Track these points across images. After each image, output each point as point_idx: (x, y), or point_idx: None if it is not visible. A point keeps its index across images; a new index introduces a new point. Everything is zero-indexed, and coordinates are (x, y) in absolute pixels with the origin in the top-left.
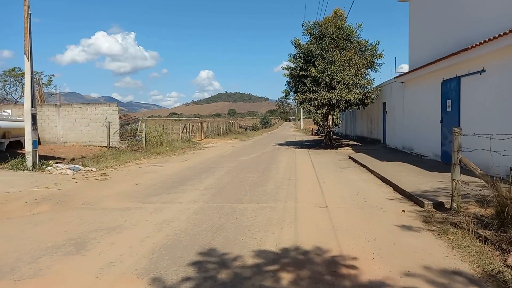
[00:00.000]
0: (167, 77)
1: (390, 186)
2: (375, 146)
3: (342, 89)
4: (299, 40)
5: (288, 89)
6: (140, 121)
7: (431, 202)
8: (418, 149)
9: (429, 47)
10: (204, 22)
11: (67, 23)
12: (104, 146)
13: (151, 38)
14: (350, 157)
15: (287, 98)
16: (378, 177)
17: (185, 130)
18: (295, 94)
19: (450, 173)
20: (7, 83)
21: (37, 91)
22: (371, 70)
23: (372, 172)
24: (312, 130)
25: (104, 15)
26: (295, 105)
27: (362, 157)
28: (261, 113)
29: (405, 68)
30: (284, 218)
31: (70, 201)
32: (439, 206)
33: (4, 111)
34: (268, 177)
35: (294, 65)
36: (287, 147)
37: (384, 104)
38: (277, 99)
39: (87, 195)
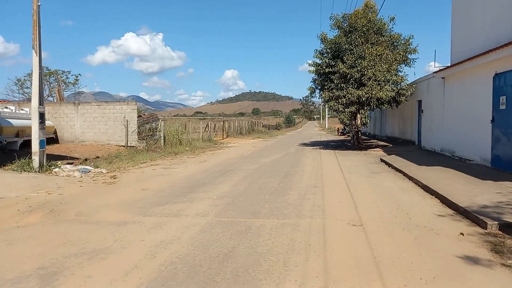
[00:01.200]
0: (193, 77)
1: (436, 197)
2: (409, 148)
3: (373, 85)
4: (326, 34)
5: (313, 86)
6: (160, 120)
7: (496, 222)
8: (461, 152)
9: (476, 37)
10: (228, 20)
11: (97, 25)
12: (122, 146)
13: (179, 38)
14: (382, 160)
15: (312, 97)
16: (419, 185)
17: (207, 129)
18: (321, 92)
19: (510, 183)
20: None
21: (57, 89)
22: (405, 66)
23: (410, 178)
24: (338, 130)
25: (133, 16)
26: (320, 104)
27: (396, 160)
28: (285, 112)
29: (431, 67)
30: (310, 242)
31: (64, 211)
32: (507, 227)
33: (6, 107)
34: (291, 183)
35: (321, 61)
36: (311, 147)
37: (420, 102)
38: (301, 98)
39: (86, 203)
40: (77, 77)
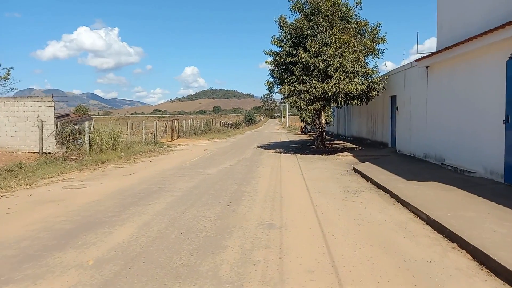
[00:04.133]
0: (151, 74)
1: (465, 249)
2: (382, 152)
3: (340, 78)
4: (285, 17)
5: (271, 80)
6: (93, 120)
7: None
8: (454, 160)
9: (475, 13)
10: (188, 16)
11: (48, 18)
12: (36, 152)
13: (135, 33)
14: (355, 170)
15: (271, 92)
16: (422, 219)
17: (158, 130)
18: (280, 87)
19: None
20: None
21: None
22: (373, 57)
23: (404, 204)
24: (300, 128)
25: (86, 10)
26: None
27: (373, 170)
28: (247, 110)
29: (392, 63)
30: None
31: None
32: None
33: None
34: (234, 220)
35: (280, 49)
36: (270, 151)
37: (393, 97)
38: (262, 96)
39: None
40: (8, 70)
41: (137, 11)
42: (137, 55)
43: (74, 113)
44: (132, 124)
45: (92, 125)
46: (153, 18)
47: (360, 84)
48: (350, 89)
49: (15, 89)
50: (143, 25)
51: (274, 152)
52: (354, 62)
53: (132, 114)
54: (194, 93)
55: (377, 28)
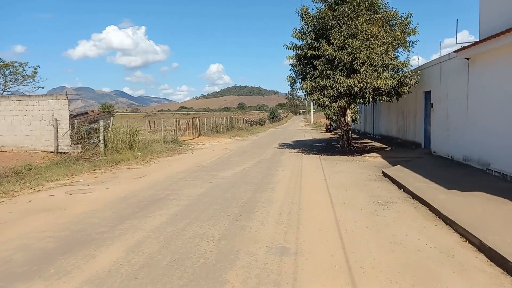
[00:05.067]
0: (177, 71)
1: None
2: (415, 153)
3: (368, 72)
4: (307, 8)
5: (293, 75)
6: (112, 118)
7: None
8: (503, 165)
9: None
10: (214, 14)
11: (78, 18)
12: (51, 152)
13: (162, 31)
14: (385, 174)
15: (293, 88)
16: (471, 243)
17: (179, 127)
18: (302, 82)
19: None
20: None
21: None
22: (403, 50)
23: (448, 222)
24: (325, 126)
25: (114, 9)
26: (304, 98)
27: (406, 175)
28: (271, 107)
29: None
30: None
31: None
32: None
33: None
34: (241, 241)
35: (302, 42)
36: (292, 150)
37: (427, 93)
38: (287, 92)
39: None
40: (35, 69)
41: (163, 9)
42: (164, 53)
43: (93, 111)
44: (154, 122)
45: (111, 123)
46: (179, 16)
47: (390, 79)
48: (379, 84)
49: (42, 87)
50: (170, 24)
51: (296, 152)
52: (383, 55)
53: (159, 111)
54: (219, 90)
55: (408, 19)
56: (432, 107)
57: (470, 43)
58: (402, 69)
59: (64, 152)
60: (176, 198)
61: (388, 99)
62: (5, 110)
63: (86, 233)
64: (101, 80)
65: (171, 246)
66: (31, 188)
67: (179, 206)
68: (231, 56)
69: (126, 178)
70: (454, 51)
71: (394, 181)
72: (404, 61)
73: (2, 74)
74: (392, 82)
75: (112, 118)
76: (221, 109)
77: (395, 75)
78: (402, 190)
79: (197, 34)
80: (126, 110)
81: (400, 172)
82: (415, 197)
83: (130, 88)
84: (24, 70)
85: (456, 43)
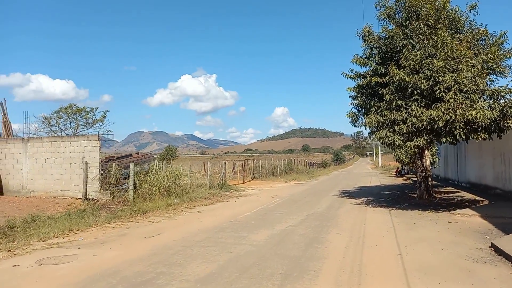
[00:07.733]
0: (244, 115)
1: None
2: None
3: (457, 100)
4: (370, 27)
5: (354, 110)
6: (156, 160)
7: None
8: None
9: None
10: (278, 61)
11: (157, 69)
12: (79, 198)
13: (231, 78)
14: (496, 250)
15: (355, 125)
16: None
17: (234, 169)
18: (365, 117)
19: None
20: (61, 119)
21: (2, 122)
22: (495, 76)
23: None
24: (396, 169)
25: (189, 60)
26: (372, 139)
27: None
28: (336, 149)
29: None
30: None
31: None
32: None
33: None
34: None
35: (364, 69)
36: (355, 200)
37: None
38: (353, 134)
39: None
40: (104, 113)
41: (232, 59)
42: (232, 98)
43: (137, 153)
44: (209, 163)
45: (155, 165)
46: (246, 65)
47: (489, 109)
48: (475, 115)
49: (110, 131)
50: (238, 70)
51: (359, 204)
52: (477, 77)
53: (225, 153)
54: (284, 132)
55: (501, 38)
56: None
57: None
58: (504, 97)
59: (92, 199)
60: (165, 284)
61: (486, 136)
62: (38, 152)
63: None
64: (174, 124)
65: None
66: (9, 251)
67: None
68: (295, 97)
69: (135, 237)
70: None
71: None
72: (508, 86)
73: (75, 119)
74: (492, 114)
75: (156, 160)
76: (285, 151)
77: (495, 104)
78: None
79: (263, 79)
80: (196, 152)
81: None
82: None
83: (200, 132)
84: (94, 115)
85: None
